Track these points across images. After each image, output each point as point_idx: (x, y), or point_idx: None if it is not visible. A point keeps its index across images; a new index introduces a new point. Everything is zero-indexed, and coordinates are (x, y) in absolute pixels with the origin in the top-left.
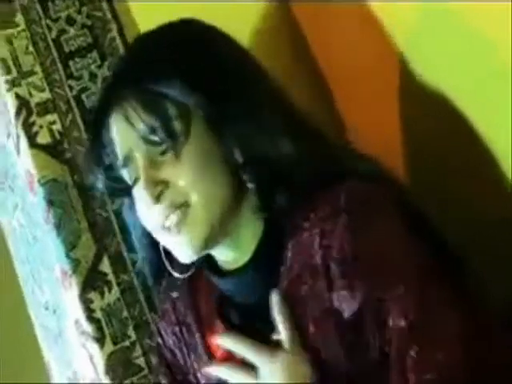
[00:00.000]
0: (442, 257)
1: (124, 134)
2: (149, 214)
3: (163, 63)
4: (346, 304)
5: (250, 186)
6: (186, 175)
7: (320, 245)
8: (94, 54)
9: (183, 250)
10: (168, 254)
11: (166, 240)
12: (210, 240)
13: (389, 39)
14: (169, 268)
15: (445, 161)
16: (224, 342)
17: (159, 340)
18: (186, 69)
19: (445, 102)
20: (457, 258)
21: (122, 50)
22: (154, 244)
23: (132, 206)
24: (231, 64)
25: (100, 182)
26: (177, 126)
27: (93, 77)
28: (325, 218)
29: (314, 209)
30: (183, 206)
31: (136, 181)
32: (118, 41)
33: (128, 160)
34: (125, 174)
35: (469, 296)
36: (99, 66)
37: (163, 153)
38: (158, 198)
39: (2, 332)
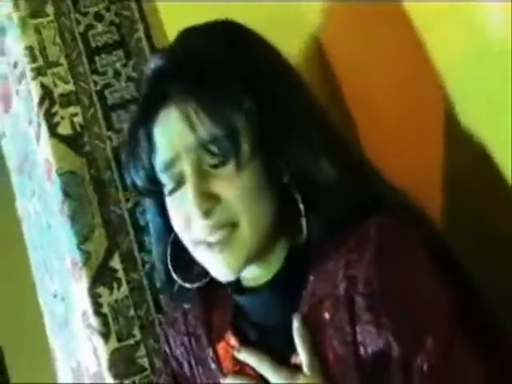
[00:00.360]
0: (466, 295)
1: (177, 134)
2: (189, 226)
3: (229, 68)
4: (371, 339)
5: (301, 206)
6: (242, 194)
7: (344, 275)
8: (120, 53)
9: (222, 269)
10: (178, 261)
11: (203, 255)
12: (249, 261)
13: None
14: (177, 279)
15: (477, 199)
16: (244, 356)
17: (166, 348)
18: (248, 78)
19: (482, 146)
20: (481, 297)
21: (147, 50)
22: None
23: (155, 210)
24: (278, 74)
25: (139, 179)
26: (244, 140)
27: (117, 74)
28: (352, 248)
29: (342, 238)
30: (230, 226)
31: (176, 188)
32: (144, 41)
33: (172, 163)
34: (163, 176)
35: (492, 334)
36: (124, 65)
37: (216, 166)
38: (207, 214)
39: (12, 317)
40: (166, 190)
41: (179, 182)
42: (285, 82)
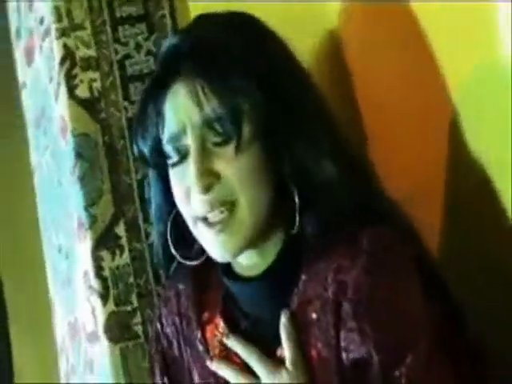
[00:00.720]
0: (450, 315)
1: (184, 109)
2: (190, 201)
3: (240, 56)
4: (354, 346)
5: (296, 199)
6: (241, 174)
7: (334, 279)
8: (143, 26)
9: (221, 249)
10: (178, 238)
11: (202, 233)
12: (248, 245)
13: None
14: (177, 256)
15: (473, 222)
16: (232, 343)
17: (158, 326)
18: (258, 69)
19: (485, 167)
20: (464, 318)
21: (170, 27)
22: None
23: (158, 186)
24: (288, 70)
25: (146, 150)
26: (246, 124)
27: (138, 47)
28: (344, 254)
29: (337, 241)
30: (229, 205)
31: (180, 161)
32: (168, 18)
33: (178, 137)
34: (168, 149)
35: (473, 356)
36: (146, 39)
37: (219, 144)
38: (207, 189)
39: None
40: (171, 162)
41: (183, 156)
42: (295, 78)
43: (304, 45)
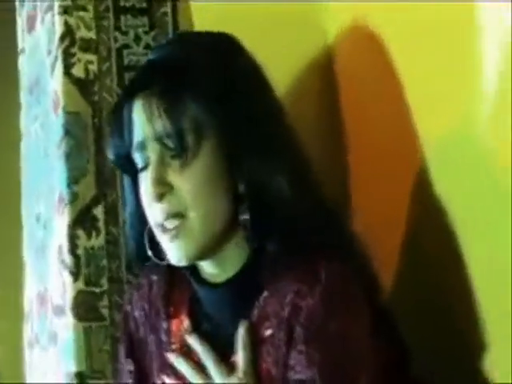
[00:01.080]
0: (396, 352)
1: (143, 124)
2: (152, 207)
3: (199, 76)
4: (301, 367)
5: (244, 217)
6: (188, 188)
7: (291, 301)
8: (145, 20)
9: (176, 254)
10: (152, 239)
11: (162, 238)
12: (201, 254)
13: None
14: (150, 254)
15: (428, 262)
16: (192, 341)
17: (128, 308)
18: (214, 89)
19: (450, 222)
20: (410, 356)
21: (170, 26)
22: (142, 225)
23: (132, 187)
24: (255, 96)
25: (113, 153)
26: (189, 139)
27: (137, 39)
28: (304, 280)
29: (297, 265)
30: (179, 216)
31: (145, 168)
32: (170, 17)
33: (142, 146)
34: (136, 156)
35: None
36: (146, 32)
37: (173, 157)
38: (159, 197)
39: None
40: (139, 168)
41: (147, 164)
42: (257, 99)
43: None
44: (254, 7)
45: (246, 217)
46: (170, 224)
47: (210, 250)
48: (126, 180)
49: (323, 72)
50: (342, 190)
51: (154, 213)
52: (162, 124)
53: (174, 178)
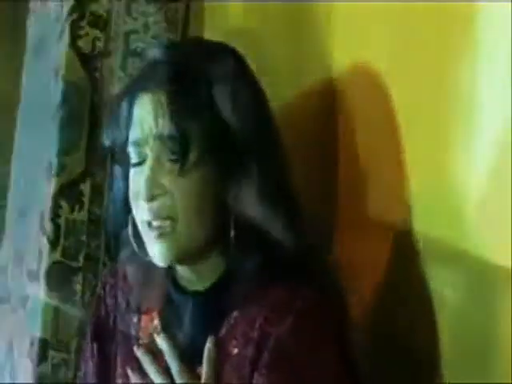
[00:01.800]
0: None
1: (147, 121)
2: (140, 205)
3: (210, 86)
4: None
5: (231, 233)
6: (181, 195)
7: (261, 326)
8: (157, 10)
9: (158, 253)
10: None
11: (147, 235)
12: (183, 258)
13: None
14: (134, 246)
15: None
16: (161, 341)
17: (102, 293)
18: (229, 104)
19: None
20: None
21: (181, 24)
22: (125, 215)
23: (122, 175)
24: (259, 121)
25: (108, 142)
26: (193, 150)
27: (146, 27)
28: (276, 307)
29: (272, 289)
30: (170, 220)
31: (139, 164)
32: (181, 14)
33: (140, 143)
34: (131, 150)
35: None
36: (155, 23)
37: (171, 160)
38: (151, 198)
39: None
40: (132, 162)
41: (142, 161)
42: (255, 118)
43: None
44: (262, 25)
45: (232, 233)
46: (157, 223)
47: (191, 256)
48: (117, 168)
49: (325, 104)
50: (329, 229)
51: (142, 211)
52: (167, 124)
53: (169, 181)
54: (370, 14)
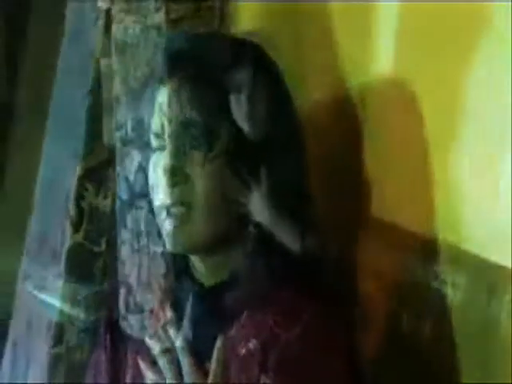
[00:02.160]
0: None
1: (171, 107)
2: (160, 190)
3: (237, 79)
4: None
5: (249, 230)
6: (205, 183)
7: (271, 328)
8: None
9: (174, 240)
10: None
11: (164, 221)
12: (198, 248)
13: None
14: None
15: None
16: (173, 332)
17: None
18: (259, 99)
19: None
20: None
21: (216, 20)
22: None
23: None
24: (273, 129)
25: (136, 130)
26: (217, 139)
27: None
28: (286, 312)
29: (283, 293)
30: (188, 206)
31: (160, 149)
32: (217, 13)
33: (162, 129)
34: (152, 136)
35: None
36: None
37: (194, 147)
38: (172, 185)
39: None
40: (153, 148)
41: (164, 146)
42: (280, 119)
43: None
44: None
45: (253, 230)
46: (177, 210)
47: (205, 246)
48: (136, 155)
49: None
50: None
51: (161, 195)
52: (193, 112)
53: (193, 169)
54: (391, 19)
